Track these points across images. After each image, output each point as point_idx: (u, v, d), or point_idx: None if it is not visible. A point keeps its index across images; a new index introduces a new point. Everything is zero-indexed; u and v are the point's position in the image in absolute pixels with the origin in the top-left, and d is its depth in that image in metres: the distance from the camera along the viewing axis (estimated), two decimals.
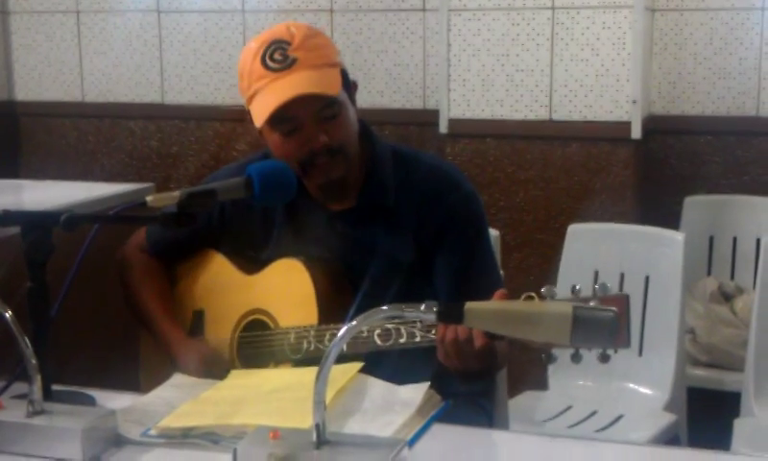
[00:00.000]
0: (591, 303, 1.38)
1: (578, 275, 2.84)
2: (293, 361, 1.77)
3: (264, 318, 1.85)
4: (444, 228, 1.82)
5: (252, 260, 1.91)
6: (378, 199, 1.84)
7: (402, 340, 1.67)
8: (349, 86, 1.83)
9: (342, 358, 1.61)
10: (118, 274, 2.03)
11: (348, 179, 1.83)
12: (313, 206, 1.87)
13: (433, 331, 1.63)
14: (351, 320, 1.29)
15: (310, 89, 1.72)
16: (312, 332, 1.75)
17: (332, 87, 1.75)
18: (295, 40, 1.75)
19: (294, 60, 1.74)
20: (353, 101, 1.85)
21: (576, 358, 1.43)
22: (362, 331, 1.68)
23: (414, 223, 1.83)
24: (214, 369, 1.80)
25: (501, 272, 2.00)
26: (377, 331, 1.68)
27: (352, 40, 3.86)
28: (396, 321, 1.66)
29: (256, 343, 1.84)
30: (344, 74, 1.80)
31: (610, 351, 1.41)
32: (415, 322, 1.63)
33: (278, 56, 1.74)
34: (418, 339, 1.66)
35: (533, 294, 1.44)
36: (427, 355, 1.67)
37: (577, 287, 1.39)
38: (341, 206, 1.86)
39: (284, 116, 1.75)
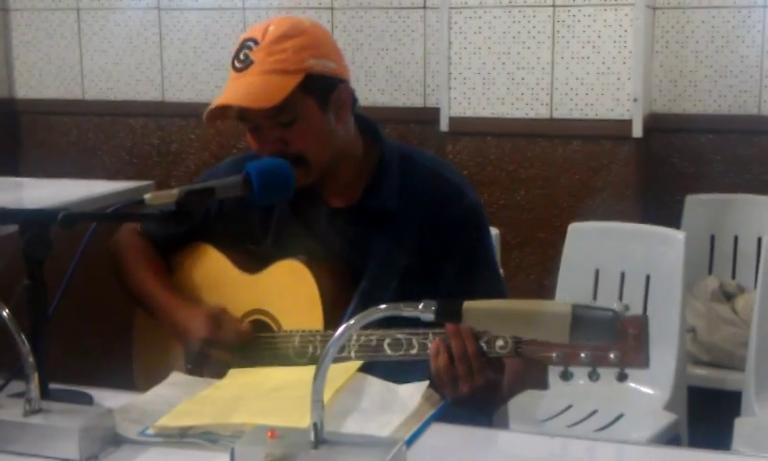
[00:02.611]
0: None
1: (579, 274, 2.84)
2: (297, 365, 1.75)
3: (266, 319, 1.83)
4: (448, 238, 1.81)
5: (250, 256, 1.89)
6: (382, 201, 1.83)
7: (413, 351, 1.63)
8: (327, 93, 1.76)
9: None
10: (111, 258, 2.00)
11: (347, 177, 1.82)
12: (314, 202, 1.85)
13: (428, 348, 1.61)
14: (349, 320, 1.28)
15: (238, 100, 1.72)
16: (318, 337, 1.73)
17: (269, 98, 1.70)
18: (263, 40, 1.73)
19: (250, 63, 1.73)
20: (337, 108, 1.78)
21: (594, 376, 1.43)
22: (371, 340, 1.66)
23: (417, 229, 1.81)
24: (224, 327, 1.78)
25: (502, 271, 1.99)
26: (387, 341, 1.66)
27: (353, 38, 3.86)
28: (408, 331, 1.64)
29: (259, 344, 1.82)
30: (317, 80, 1.74)
31: (627, 371, 1.42)
32: (426, 333, 1.62)
33: (242, 56, 1.74)
34: (429, 351, 1.62)
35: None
36: (424, 361, 1.66)
37: (595, 304, 1.38)
38: (343, 203, 1.85)
39: (242, 115, 1.77)
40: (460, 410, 1.58)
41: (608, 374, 1.44)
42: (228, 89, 1.75)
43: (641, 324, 1.42)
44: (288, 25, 1.76)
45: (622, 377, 1.42)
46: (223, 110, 1.77)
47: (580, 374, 1.46)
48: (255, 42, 1.74)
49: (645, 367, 1.42)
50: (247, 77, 1.73)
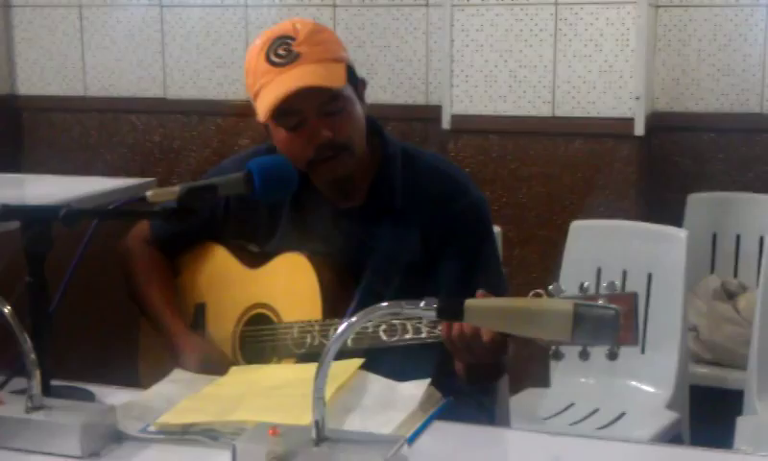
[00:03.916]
0: (600, 301, 1.37)
1: (580, 272, 2.84)
2: (296, 356, 1.76)
3: (267, 312, 1.84)
4: (452, 233, 1.82)
5: (255, 254, 1.91)
6: (387, 199, 1.84)
7: (408, 336, 1.66)
8: (357, 83, 1.83)
9: (346, 354, 1.62)
10: (121, 264, 2.02)
11: (354, 176, 1.83)
12: (320, 202, 1.86)
13: (439, 328, 1.62)
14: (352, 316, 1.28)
15: (314, 82, 1.71)
16: (317, 327, 1.74)
17: (336, 80, 1.75)
18: (300, 36, 1.75)
19: (298, 55, 1.73)
20: (361, 98, 1.84)
21: (584, 356, 1.43)
22: (367, 327, 1.67)
23: (421, 226, 1.82)
24: (215, 365, 1.79)
25: (504, 271, 1.99)
26: (383, 327, 1.67)
27: (355, 35, 3.85)
28: (402, 317, 1.65)
29: (259, 337, 1.83)
30: (350, 70, 1.80)
31: (617, 349, 1.41)
32: (421, 318, 1.63)
33: (282, 51, 1.74)
34: (423, 335, 1.65)
35: (540, 291, 1.44)
36: (429, 352, 1.67)
37: (585, 284, 1.38)
38: (348, 203, 1.86)
39: (289, 110, 1.74)
40: (471, 386, 1.58)
41: (599, 357, 1.42)
42: (284, 80, 1.72)
43: (631, 301, 1.41)
44: (311, 23, 1.81)
45: (612, 356, 1.41)
46: (284, 102, 1.72)
47: (571, 355, 1.45)
48: (291, 38, 1.75)
49: (635, 344, 1.41)
50: (303, 66, 1.73)
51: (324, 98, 1.74)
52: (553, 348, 1.46)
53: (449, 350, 1.61)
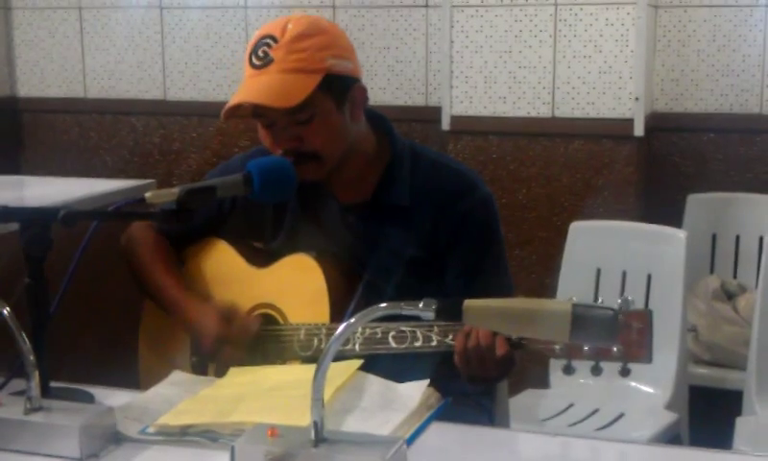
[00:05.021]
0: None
1: (580, 273, 2.84)
2: (302, 358, 1.75)
3: (273, 313, 1.83)
4: (459, 230, 1.81)
5: (261, 251, 1.91)
6: (394, 197, 1.84)
7: (418, 344, 1.64)
8: (344, 92, 1.78)
9: (353, 359, 1.61)
10: (125, 252, 2.01)
11: (361, 173, 1.83)
12: (326, 198, 1.86)
13: (450, 336, 1.61)
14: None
15: (261, 99, 1.71)
16: (324, 330, 1.73)
17: (293, 97, 1.70)
18: (284, 37, 1.73)
19: (271, 61, 1.72)
20: (352, 106, 1.80)
21: (596, 371, 1.43)
22: (376, 333, 1.66)
23: (428, 223, 1.82)
24: (233, 324, 1.79)
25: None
26: (392, 333, 1.66)
27: (355, 37, 3.85)
28: (413, 323, 1.64)
29: (265, 338, 1.82)
30: (335, 79, 1.75)
31: (629, 366, 1.42)
32: (432, 326, 1.62)
33: (261, 53, 1.74)
34: (434, 343, 1.63)
35: None
36: (428, 353, 1.66)
37: (600, 301, 1.37)
38: (355, 199, 1.86)
39: (258, 112, 1.76)
40: (472, 387, 1.58)
41: (611, 369, 1.43)
42: (246, 87, 1.74)
43: (645, 318, 1.41)
44: (307, 23, 1.76)
45: (625, 372, 1.42)
46: (239, 107, 1.76)
47: (582, 369, 1.45)
48: (274, 40, 1.73)
49: (648, 361, 1.41)
50: (267, 75, 1.72)
51: (288, 108, 1.71)
52: (565, 362, 1.45)
53: (459, 362, 1.60)
